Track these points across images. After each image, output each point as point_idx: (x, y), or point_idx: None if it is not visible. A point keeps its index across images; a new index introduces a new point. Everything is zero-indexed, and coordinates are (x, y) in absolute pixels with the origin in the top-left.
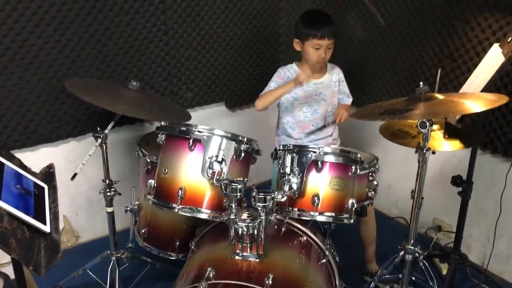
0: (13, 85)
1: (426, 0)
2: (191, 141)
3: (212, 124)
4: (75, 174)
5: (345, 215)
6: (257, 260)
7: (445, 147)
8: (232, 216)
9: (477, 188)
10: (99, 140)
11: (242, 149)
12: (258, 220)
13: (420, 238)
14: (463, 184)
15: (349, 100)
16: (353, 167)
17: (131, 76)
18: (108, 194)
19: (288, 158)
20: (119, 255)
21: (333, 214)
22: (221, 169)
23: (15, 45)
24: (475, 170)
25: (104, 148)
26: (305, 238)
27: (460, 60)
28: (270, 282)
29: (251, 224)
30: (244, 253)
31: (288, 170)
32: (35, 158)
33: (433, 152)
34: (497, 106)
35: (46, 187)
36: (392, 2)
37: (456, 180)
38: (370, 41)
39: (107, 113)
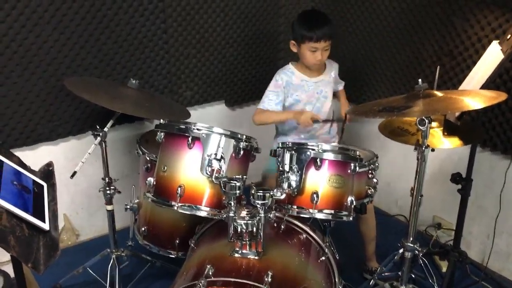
0: (13, 83)
1: None
2: (190, 139)
3: (212, 122)
4: (75, 173)
5: (344, 213)
6: (256, 257)
7: (444, 144)
8: (231, 214)
9: (477, 185)
10: (99, 139)
11: (241, 146)
12: (257, 217)
13: (420, 236)
14: (463, 182)
15: (342, 84)
16: (352, 165)
17: (130, 74)
18: (108, 192)
19: (287, 156)
20: (119, 253)
21: (332, 211)
22: (220, 167)
23: (14, 44)
24: (475, 168)
25: (104, 146)
26: (304, 235)
27: (459, 57)
28: (269, 280)
29: (250, 221)
30: (243, 251)
31: (287, 168)
32: (35, 156)
33: (432, 150)
34: (496, 103)
35: (45, 185)
36: (391, 0)
37: (455, 178)
38: (369, 39)
39: (107, 112)
